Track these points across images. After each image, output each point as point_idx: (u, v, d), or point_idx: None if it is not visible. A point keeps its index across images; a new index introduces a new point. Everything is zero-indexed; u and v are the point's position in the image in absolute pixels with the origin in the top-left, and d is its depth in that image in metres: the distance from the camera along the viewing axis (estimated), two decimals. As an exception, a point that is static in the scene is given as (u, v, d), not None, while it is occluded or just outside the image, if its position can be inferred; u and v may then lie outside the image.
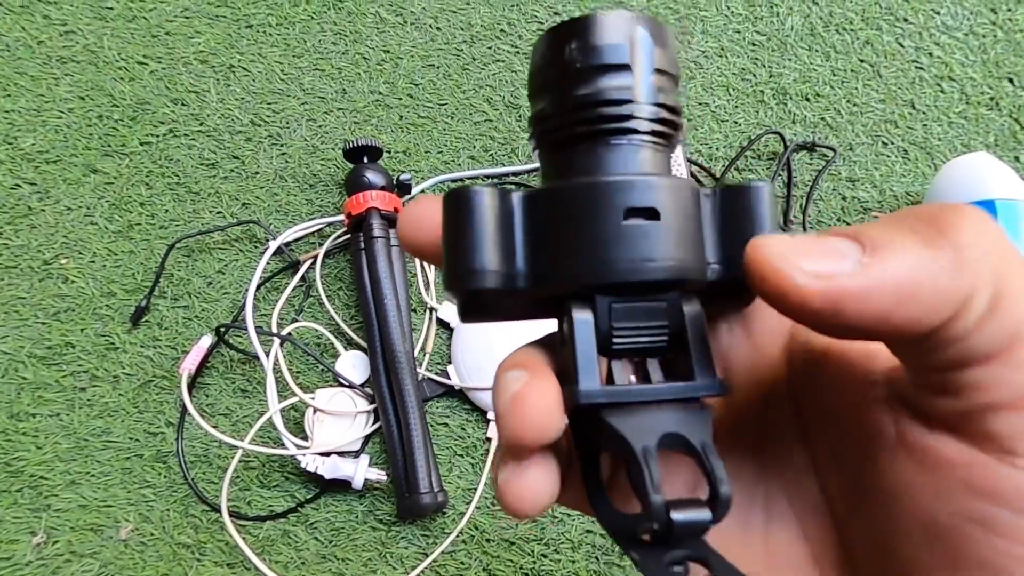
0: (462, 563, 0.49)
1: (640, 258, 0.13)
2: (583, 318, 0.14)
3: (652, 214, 0.14)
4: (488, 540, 0.49)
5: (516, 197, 0.14)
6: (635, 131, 0.14)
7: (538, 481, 0.14)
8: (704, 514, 0.13)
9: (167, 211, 0.57)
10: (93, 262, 0.56)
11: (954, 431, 0.13)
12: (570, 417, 0.14)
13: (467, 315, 0.15)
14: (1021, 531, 0.12)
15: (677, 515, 0.13)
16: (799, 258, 0.12)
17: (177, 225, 0.57)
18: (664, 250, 0.13)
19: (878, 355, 0.15)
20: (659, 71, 0.14)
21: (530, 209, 0.14)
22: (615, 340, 0.14)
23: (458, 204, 0.14)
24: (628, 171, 0.14)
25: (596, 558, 0.49)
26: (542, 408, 0.13)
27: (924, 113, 0.59)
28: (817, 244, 0.12)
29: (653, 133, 0.14)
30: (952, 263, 0.11)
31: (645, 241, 0.13)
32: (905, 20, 0.62)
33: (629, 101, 0.14)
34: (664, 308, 0.14)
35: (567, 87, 0.14)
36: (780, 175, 0.58)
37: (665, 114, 0.14)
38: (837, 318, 0.12)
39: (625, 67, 0.14)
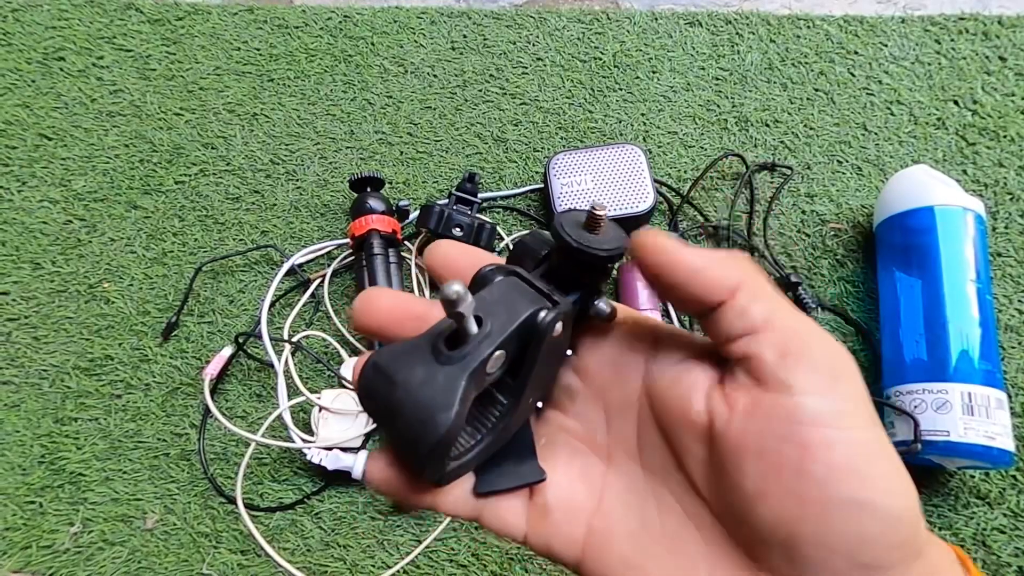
0: (452, 549, 0.53)
1: None
2: None
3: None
4: (476, 528, 0.53)
5: None
6: None
7: None
8: None
9: (196, 239, 0.65)
10: (131, 285, 0.63)
11: (753, 383, 0.18)
12: None
13: None
14: (800, 435, 0.17)
15: None
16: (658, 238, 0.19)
17: (205, 251, 0.64)
18: None
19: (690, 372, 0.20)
20: None
21: None
22: None
23: None
24: None
25: (576, 544, 0.53)
26: None
27: (876, 134, 0.65)
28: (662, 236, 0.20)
29: None
30: (724, 270, 0.19)
31: None
32: (856, 53, 0.69)
33: None
34: None
35: None
36: (743, 192, 0.63)
37: None
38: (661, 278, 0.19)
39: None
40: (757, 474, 0.18)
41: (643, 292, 0.57)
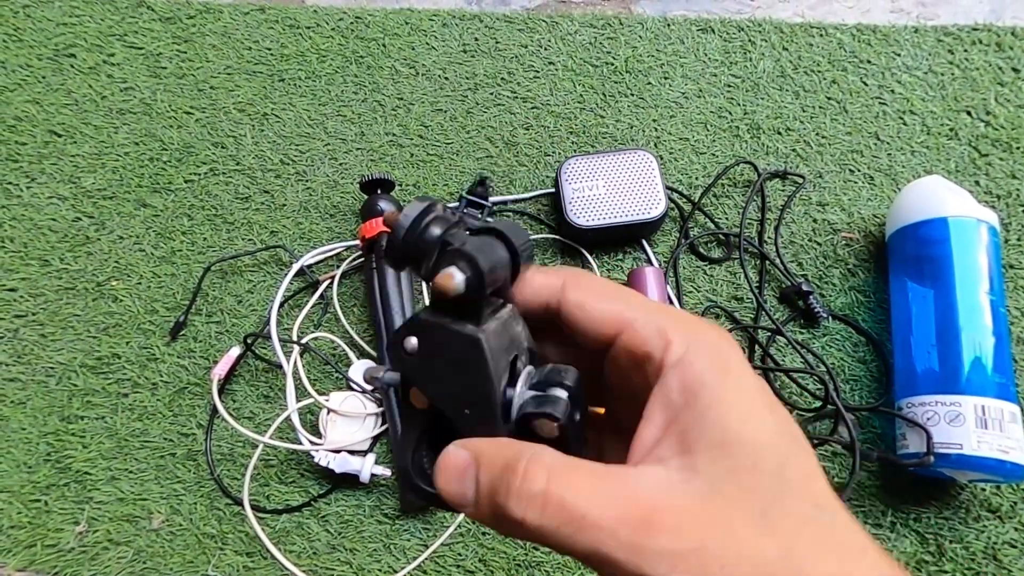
0: (459, 554, 0.53)
1: None
2: None
3: None
4: (484, 533, 0.53)
5: None
6: None
7: None
8: None
9: (205, 239, 0.65)
10: (140, 284, 0.63)
11: None
12: None
13: None
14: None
15: None
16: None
17: (213, 251, 0.64)
18: None
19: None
20: None
21: None
22: None
23: None
24: None
25: (584, 551, 0.52)
26: None
27: (888, 143, 0.65)
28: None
29: None
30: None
31: None
32: (868, 62, 0.68)
33: None
34: None
35: None
36: (754, 200, 0.63)
37: None
38: None
39: None
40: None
41: (653, 290, 0.57)
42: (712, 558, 0.16)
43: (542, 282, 0.22)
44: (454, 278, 0.19)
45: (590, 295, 0.21)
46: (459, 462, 0.19)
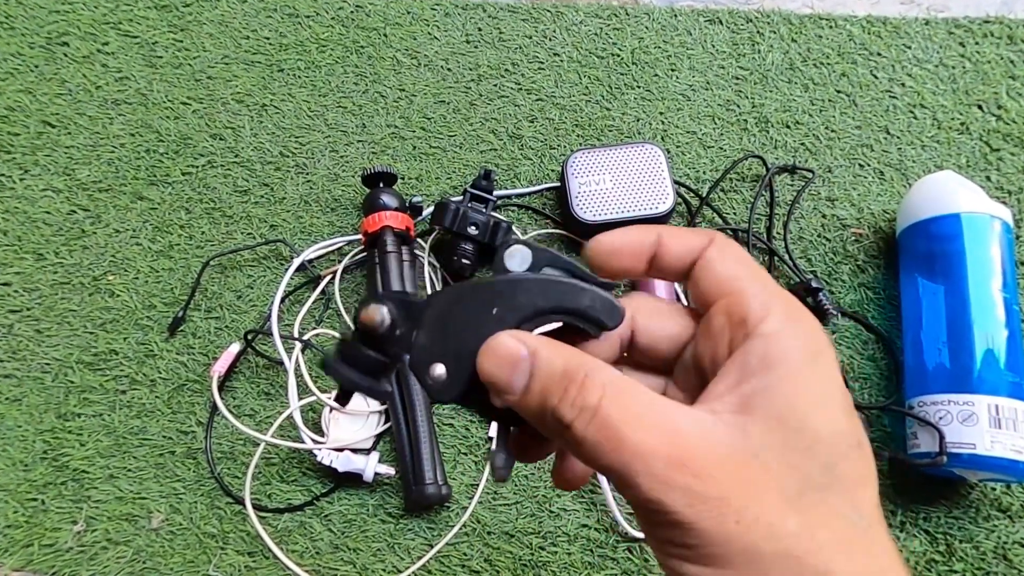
0: (465, 554, 0.52)
1: None
2: None
3: None
4: (489, 533, 0.52)
5: None
6: None
7: None
8: None
9: (203, 233, 0.63)
10: (137, 278, 0.62)
11: None
12: None
13: None
14: None
15: None
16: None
17: (212, 245, 0.63)
18: None
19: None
20: None
21: None
22: None
23: None
24: None
25: (591, 551, 0.52)
26: None
27: (898, 137, 0.64)
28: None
29: None
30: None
31: None
32: (879, 54, 0.67)
33: None
34: None
35: None
36: (763, 195, 0.62)
37: None
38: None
39: None
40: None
41: (661, 287, 0.56)
42: (731, 511, 0.17)
43: (688, 244, 0.22)
44: (378, 313, 0.22)
45: (724, 255, 0.21)
46: (513, 352, 0.20)
